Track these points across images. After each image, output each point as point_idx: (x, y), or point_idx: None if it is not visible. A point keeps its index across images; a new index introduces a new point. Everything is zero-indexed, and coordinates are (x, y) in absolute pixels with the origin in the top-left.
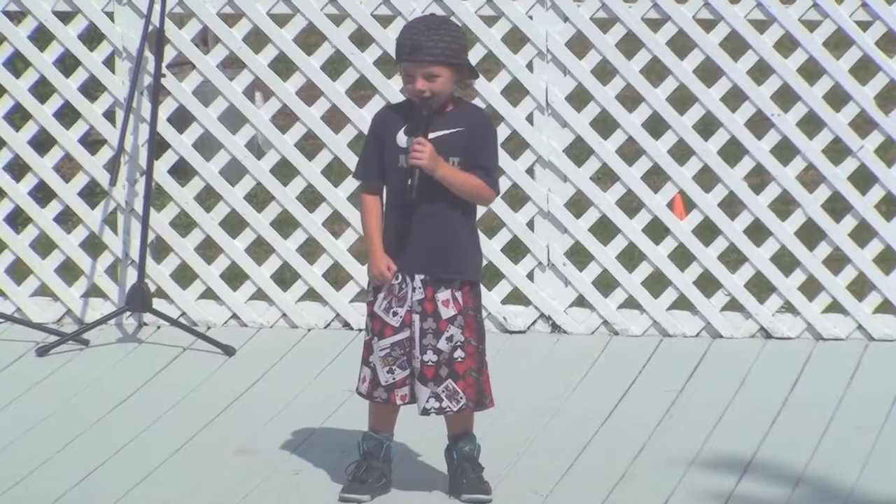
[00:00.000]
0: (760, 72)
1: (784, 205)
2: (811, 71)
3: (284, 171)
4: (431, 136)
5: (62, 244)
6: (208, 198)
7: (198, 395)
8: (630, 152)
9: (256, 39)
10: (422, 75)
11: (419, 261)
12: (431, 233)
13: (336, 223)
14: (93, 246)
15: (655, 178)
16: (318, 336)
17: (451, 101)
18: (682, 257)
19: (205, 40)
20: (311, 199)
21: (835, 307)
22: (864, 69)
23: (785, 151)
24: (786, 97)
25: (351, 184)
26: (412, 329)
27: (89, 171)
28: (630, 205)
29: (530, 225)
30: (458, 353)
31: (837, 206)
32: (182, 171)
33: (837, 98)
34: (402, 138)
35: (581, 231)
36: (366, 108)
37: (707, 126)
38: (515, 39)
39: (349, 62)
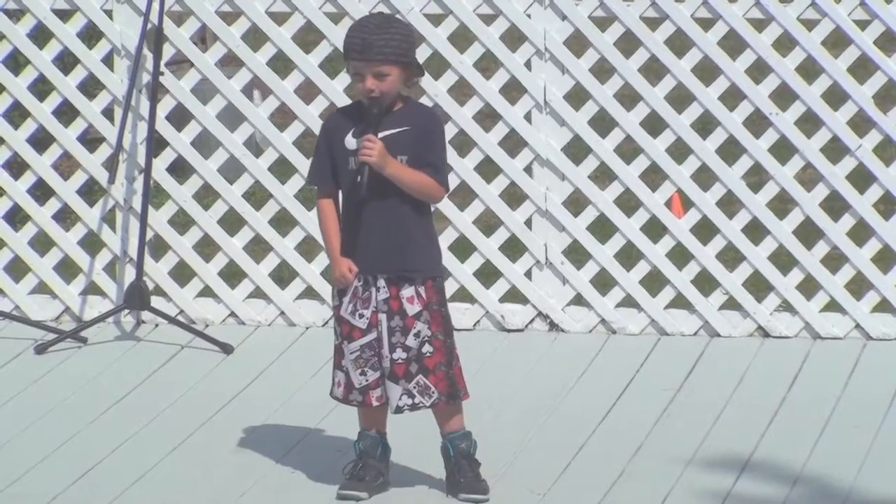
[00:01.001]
0: (759, 71)
1: (782, 204)
2: (809, 70)
3: (283, 169)
4: (381, 135)
5: (61, 242)
6: (206, 196)
7: (196, 393)
8: (628, 151)
9: (255, 37)
10: (372, 74)
11: (379, 260)
12: (387, 232)
13: None
14: (91, 244)
15: (653, 176)
16: (315, 334)
17: (399, 100)
18: (679, 256)
19: (203, 38)
20: (309, 197)
21: (833, 306)
22: (862, 68)
23: (783, 150)
24: (784, 96)
25: None
26: (379, 329)
27: (88, 169)
28: (628, 203)
29: (528, 223)
30: (427, 348)
31: (835, 205)
32: (180, 169)
33: (836, 97)
34: (350, 141)
35: (579, 229)
36: None
37: (705, 125)
38: (514, 38)
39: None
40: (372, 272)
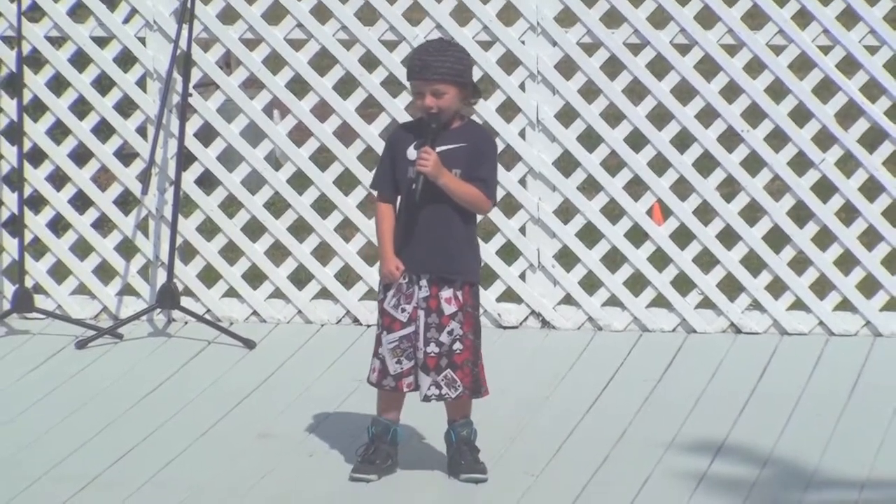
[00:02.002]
0: (731, 92)
1: (752, 212)
2: (777, 91)
3: (300, 181)
4: (438, 149)
5: (99, 247)
6: (231, 205)
7: (221, 384)
8: (613, 164)
9: (275, 62)
10: (430, 92)
11: (425, 262)
12: (435, 237)
13: (347, 228)
14: (126, 249)
15: (636, 187)
16: (330, 331)
17: (457, 119)
18: (659, 259)
19: (228, 63)
20: (324, 206)
21: (798, 305)
22: (825, 89)
23: (754, 164)
24: (755, 114)
25: (360, 192)
26: (417, 324)
27: (123, 182)
28: (613, 212)
29: (522, 230)
30: (457, 346)
31: (801, 214)
32: (207, 182)
33: (801, 115)
34: (411, 152)
35: (568, 236)
36: (374, 125)
37: (683, 141)
38: (509, 62)
39: (359, 83)
40: (417, 271)
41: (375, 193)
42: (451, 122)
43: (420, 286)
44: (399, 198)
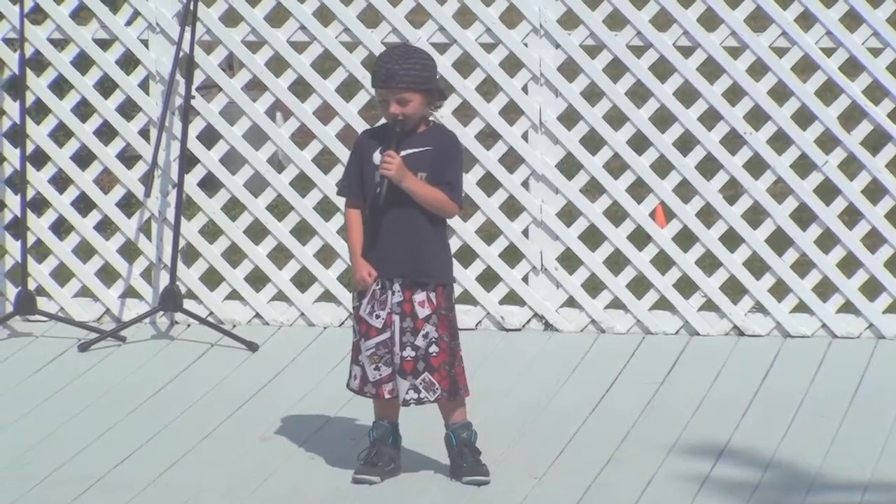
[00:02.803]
0: (734, 94)
1: (755, 214)
2: (780, 93)
3: (303, 183)
4: (403, 153)
5: (101, 250)
6: (234, 208)
7: (224, 386)
8: (616, 167)
9: (277, 64)
10: (395, 100)
11: (396, 266)
12: (405, 240)
13: None
14: (129, 251)
15: (639, 190)
16: (333, 334)
17: (423, 123)
18: (662, 262)
19: (231, 65)
20: (326, 209)
21: (801, 308)
22: (828, 91)
23: (756, 166)
24: (757, 117)
25: None
26: (392, 329)
27: (126, 184)
28: (616, 214)
29: (525, 233)
30: (433, 349)
31: (804, 216)
32: (210, 184)
33: (804, 118)
34: (377, 157)
35: (571, 238)
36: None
37: (686, 143)
38: (512, 65)
39: (361, 85)
40: (389, 276)
41: (344, 200)
42: (417, 127)
43: (393, 291)
44: (367, 203)
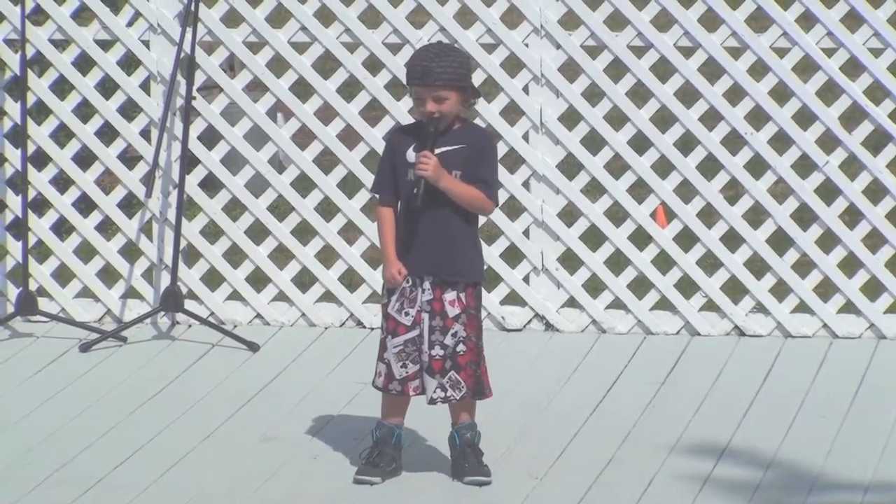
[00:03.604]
0: (735, 94)
1: (756, 215)
2: (781, 93)
3: (303, 184)
4: (437, 151)
5: (103, 251)
6: (235, 208)
7: (225, 387)
8: (617, 167)
9: (278, 65)
10: (432, 98)
11: (427, 264)
12: (437, 239)
13: (350, 232)
14: (130, 252)
15: (640, 190)
16: (334, 334)
17: (457, 120)
18: (663, 262)
19: (231, 66)
20: (327, 209)
21: (802, 308)
22: (829, 92)
23: (757, 166)
24: (758, 117)
25: (364, 196)
26: (422, 327)
27: (127, 185)
28: (617, 215)
29: (526, 233)
30: (461, 348)
31: (804, 216)
32: (211, 185)
33: (805, 118)
34: (411, 155)
35: (572, 238)
36: (377, 128)
37: (686, 143)
38: (513, 65)
39: (362, 86)
40: (420, 274)
41: (377, 197)
42: (451, 125)
43: (423, 289)
44: (400, 201)
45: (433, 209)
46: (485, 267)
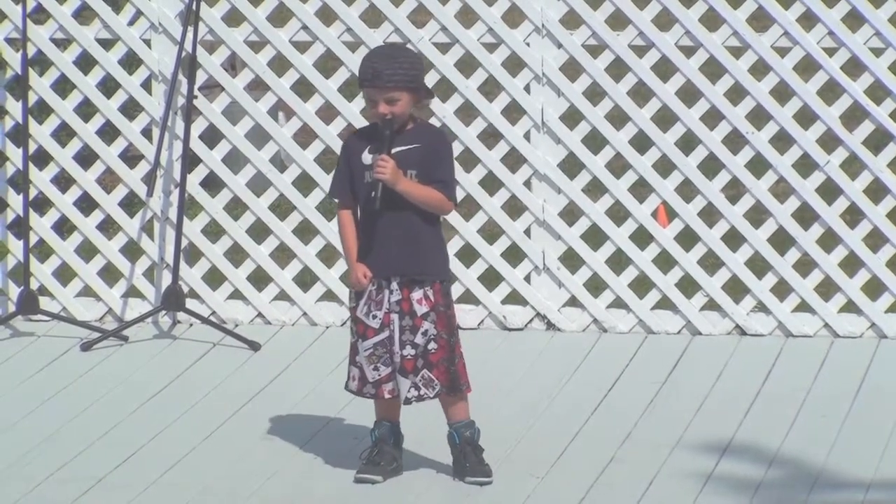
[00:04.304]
0: (736, 94)
1: (757, 214)
2: (782, 93)
3: (305, 183)
4: (392, 151)
5: (104, 250)
6: (236, 207)
7: (226, 386)
8: (618, 166)
9: (280, 64)
10: (383, 100)
11: (393, 265)
12: (400, 239)
13: None
14: (132, 251)
15: (641, 189)
16: (335, 333)
17: (410, 120)
18: (664, 261)
19: (233, 65)
20: (328, 209)
21: (804, 307)
22: (830, 91)
23: (758, 166)
24: (759, 116)
25: None
26: (391, 328)
27: (128, 184)
28: (618, 214)
29: (527, 232)
30: (432, 346)
31: (806, 216)
32: (212, 184)
33: (806, 117)
34: (367, 157)
35: (573, 238)
36: None
37: (688, 143)
38: (514, 64)
39: None
40: (385, 276)
41: (336, 201)
42: (404, 125)
43: (391, 290)
44: (359, 204)
45: (394, 210)
46: (485, 267)
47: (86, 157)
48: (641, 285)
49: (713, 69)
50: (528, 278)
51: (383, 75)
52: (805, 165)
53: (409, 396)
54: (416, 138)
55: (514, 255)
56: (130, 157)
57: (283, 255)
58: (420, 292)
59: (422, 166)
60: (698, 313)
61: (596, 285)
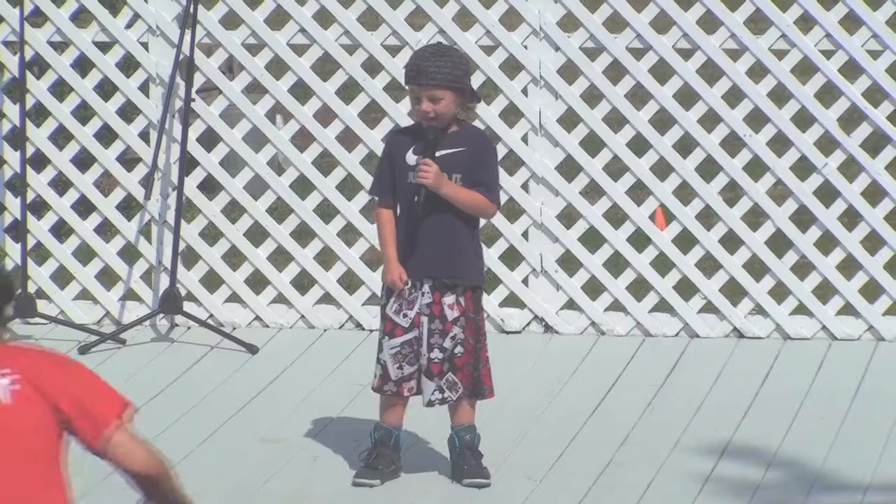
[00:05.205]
0: (734, 96)
1: (755, 217)
2: (780, 95)
3: (302, 186)
4: (436, 154)
5: (102, 253)
6: (234, 210)
7: (224, 389)
8: (616, 169)
9: (277, 67)
10: (427, 98)
11: (427, 267)
12: (438, 242)
13: (349, 234)
14: (129, 254)
15: (639, 192)
16: (333, 336)
17: (455, 123)
18: (662, 264)
19: (230, 68)
20: (326, 211)
21: (801, 309)
22: (827, 94)
23: (756, 168)
24: (757, 119)
25: (363, 198)
26: (420, 329)
27: (126, 187)
28: (616, 217)
29: (525, 235)
30: (458, 350)
31: (803, 218)
32: (210, 187)
33: (804, 120)
34: (411, 157)
35: (571, 241)
36: (376, 130)
37: (685, 145)
38: (512, 67)
39: (361, 88)
40: (419, 277)
41: (376, 199)
42: (448, 127)
43: (423, 292)
44: (399, 203)
45: (434, 213)
46: (484, 269)
47: (83, 160)
48: (639, 288)
49: (711, 72)
50: (525, 281)
51: (427, 73)
52: (803, 168)
53: (433, 399)
54: (462, 141)
55: (511, 257)
56: (128, 160)
57: (280, 257)
58: (452, 297)
59: (467, 170)
60: (696, 316)
61: (594, 288)
